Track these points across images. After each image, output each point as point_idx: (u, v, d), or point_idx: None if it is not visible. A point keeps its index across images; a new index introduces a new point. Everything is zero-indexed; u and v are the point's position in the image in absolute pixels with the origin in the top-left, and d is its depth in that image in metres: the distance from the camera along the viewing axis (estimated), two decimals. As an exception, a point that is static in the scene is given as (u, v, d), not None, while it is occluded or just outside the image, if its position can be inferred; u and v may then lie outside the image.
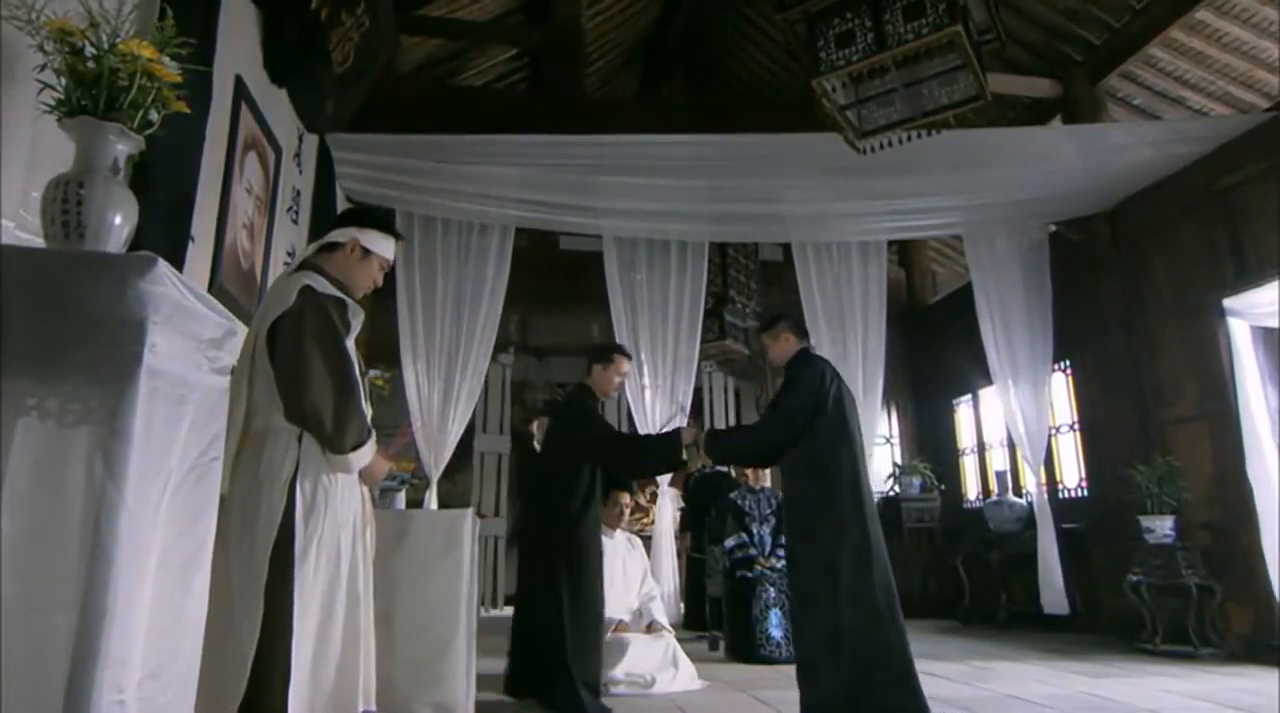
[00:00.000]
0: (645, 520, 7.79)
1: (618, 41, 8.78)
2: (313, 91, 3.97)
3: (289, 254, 3.91)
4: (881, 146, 4.20)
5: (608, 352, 3.73)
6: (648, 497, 7.90)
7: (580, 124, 5.57)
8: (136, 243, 1.66)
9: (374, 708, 1.89)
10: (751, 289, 7.43)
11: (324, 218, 4.20)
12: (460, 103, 6.66)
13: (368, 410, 2.12)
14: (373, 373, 4.32)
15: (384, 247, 2.19)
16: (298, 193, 4.12)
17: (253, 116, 3.28)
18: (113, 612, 1.20)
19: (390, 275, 5.91)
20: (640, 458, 3.66)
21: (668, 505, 6.33)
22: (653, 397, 6.23)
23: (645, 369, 6.21)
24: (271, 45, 3.43)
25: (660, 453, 3.52)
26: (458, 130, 5.07)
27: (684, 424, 3.85)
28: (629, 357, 3.80)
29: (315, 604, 1.76)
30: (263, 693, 1.62)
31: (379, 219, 2.26)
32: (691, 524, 6.38)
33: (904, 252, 8.88)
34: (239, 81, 3.12)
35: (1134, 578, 5.03)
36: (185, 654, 1.46)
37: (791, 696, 3.65)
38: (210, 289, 2.90)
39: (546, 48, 6.96)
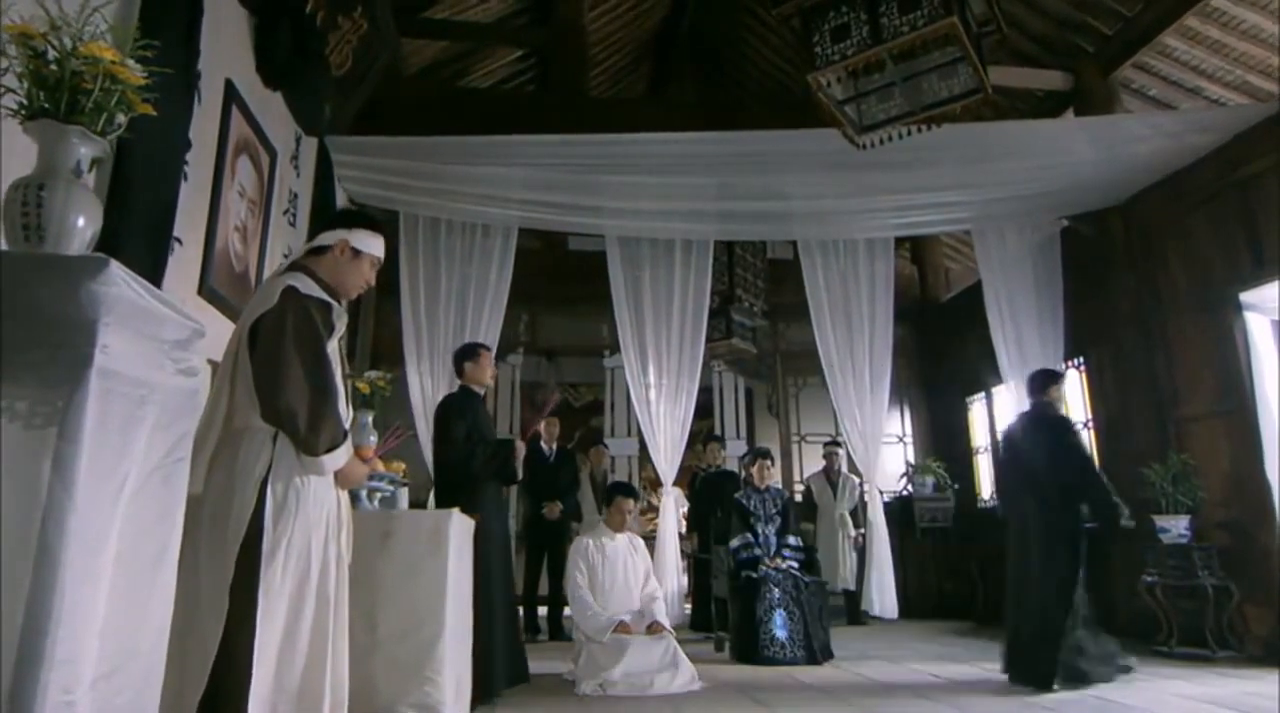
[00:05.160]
0: (655, 520, 7.74)
1: (625, 41, 8.76)
2: (309, 95, 3.98)
3: (285, 257, 3.92)
4: (882, 141, 4.15)
5: (474, 350, 3.92)
6: (658, 496, 7.86)
7: (587, 124, 5.55)
8: (114, 246, 1.66)
9: None
10: (759, 287, 7.38)
11: (323, 221, 4.21)
12: (467, 104, 6.66)
13: (347, 415, 2.11)
14: (374, 374, 4.34)
15: (373, 245, 2.20)
16: (295, 195, 4.13)
17: (245, 120, 3.29)
18: (58, 613, 1.20)
19: (394, 276, 5.86)
20: (478, 466, 3.62)
21: (672, 505, 6.30)
22: (658, 396, 6.22)
23: (651, 369, 6.20)
24: (264, 49, 3.44)
25: (492, 466, 3.60)
26: (465, 132, 5.08)
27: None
28: (489, 350, 4.02)
29: (282, 606, 1.75)
30: (222, 692, 1.62)
31: (366, 218, 2.28)
32: (697, 524, 6.34)
33: (916, 248, 8.76)
34: (229, 85, 3.13)
35: (1148, 579, 4.92)
36: (147, 654, 1.45)
37: (790, 697, 3.62)
38: (200, 291, 2.92)
39: (551, 49, 6.95)
